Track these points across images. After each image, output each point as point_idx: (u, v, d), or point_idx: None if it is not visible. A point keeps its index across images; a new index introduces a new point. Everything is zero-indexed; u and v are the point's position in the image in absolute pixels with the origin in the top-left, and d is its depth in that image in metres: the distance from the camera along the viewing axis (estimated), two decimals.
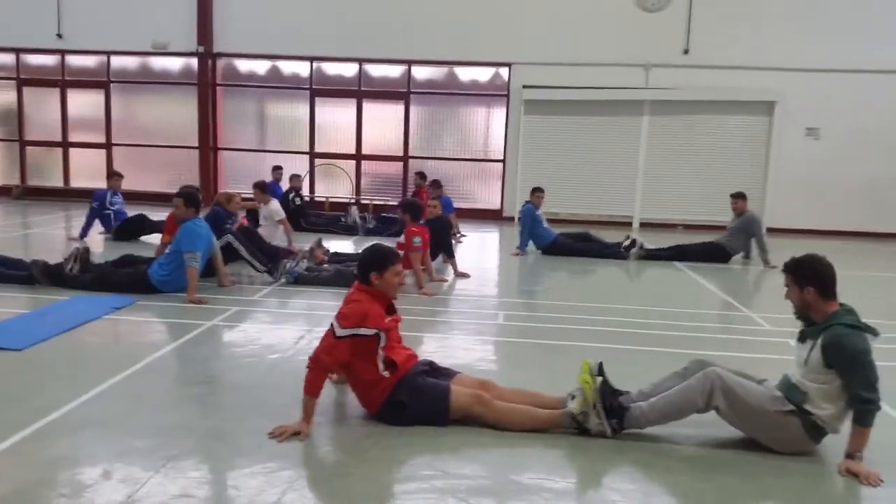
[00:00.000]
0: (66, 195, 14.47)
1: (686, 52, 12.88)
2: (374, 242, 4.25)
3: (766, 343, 5.73)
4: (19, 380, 4.26)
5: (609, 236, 10.67)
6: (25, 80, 14.66)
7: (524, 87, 13.21)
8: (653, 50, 12.85)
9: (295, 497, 2.98)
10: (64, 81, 14.53)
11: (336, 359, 3.64)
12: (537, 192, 9.75)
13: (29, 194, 14.46)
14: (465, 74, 13.89)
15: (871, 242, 12.36)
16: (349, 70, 14.02)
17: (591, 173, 13.27)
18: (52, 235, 10.31)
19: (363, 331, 3.64)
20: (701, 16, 12.77)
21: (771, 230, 12.85)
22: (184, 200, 6.50)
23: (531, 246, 9.63)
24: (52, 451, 3.31)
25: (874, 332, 3.47)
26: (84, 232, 9.58)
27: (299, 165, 14.26)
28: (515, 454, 3.48)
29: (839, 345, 3.35)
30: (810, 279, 3.49)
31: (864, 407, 3.32)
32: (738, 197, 9.62)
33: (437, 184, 10.92)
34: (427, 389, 3.73)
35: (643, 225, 13.08)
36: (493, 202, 14.02)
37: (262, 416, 3.82)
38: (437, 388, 3.74)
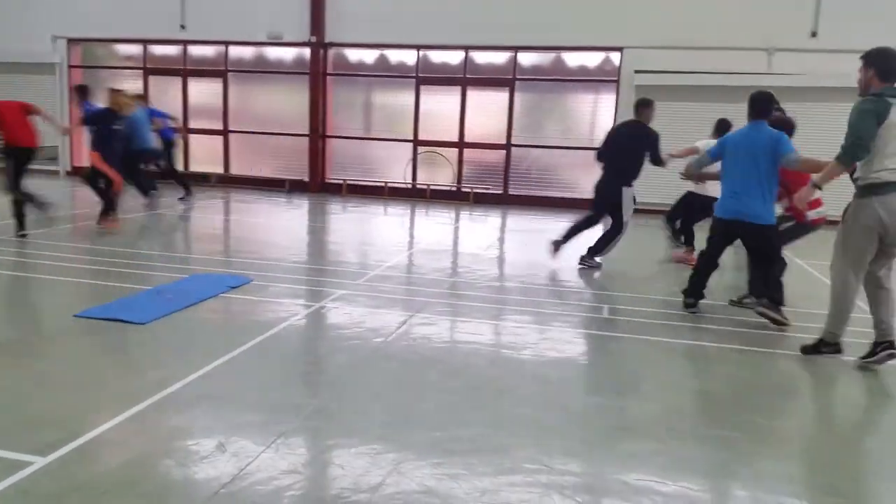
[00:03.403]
0: (186, 179, 15.25)
1: (814, 34, 12.04)
2: None
3: None
4: (142, 352, 4.52)
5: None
6: (151, 69, 15.55)
7: (636, 72, 12.76)
8: (777, 33, 12.08)
9: (399, 480, 2.98)
10: (185, 70, 15.31)
11: None
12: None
13: (151, 177, 15.32)
14: (572, 60, 13.57)
15: None
16: (455, 58, 14.01)
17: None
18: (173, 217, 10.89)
19: None
20: None
21: None
22: None
23: None
24: (170, 422, 3.47)
25: None
26: None
27: (404, 153, 14.44)
28: (624, 453, 3.35)
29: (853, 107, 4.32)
30: (872, 61, 4.36)
31: (840, 150, 4.30)
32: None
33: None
34: None
35: None
36: None
37: (367, 397, 3.88)
38: None
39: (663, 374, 4.53)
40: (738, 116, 12.21)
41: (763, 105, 5.53)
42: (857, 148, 4.23)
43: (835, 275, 4.64)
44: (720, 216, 5.70)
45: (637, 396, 4.10)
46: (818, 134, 12.08)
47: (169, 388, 3.85)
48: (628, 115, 12.96)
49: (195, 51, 15.28)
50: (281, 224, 10.67)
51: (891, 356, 4.54)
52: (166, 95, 15.52)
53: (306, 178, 14.76)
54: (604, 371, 4.69)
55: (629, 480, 3.08)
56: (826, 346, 4.76)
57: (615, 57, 13.17)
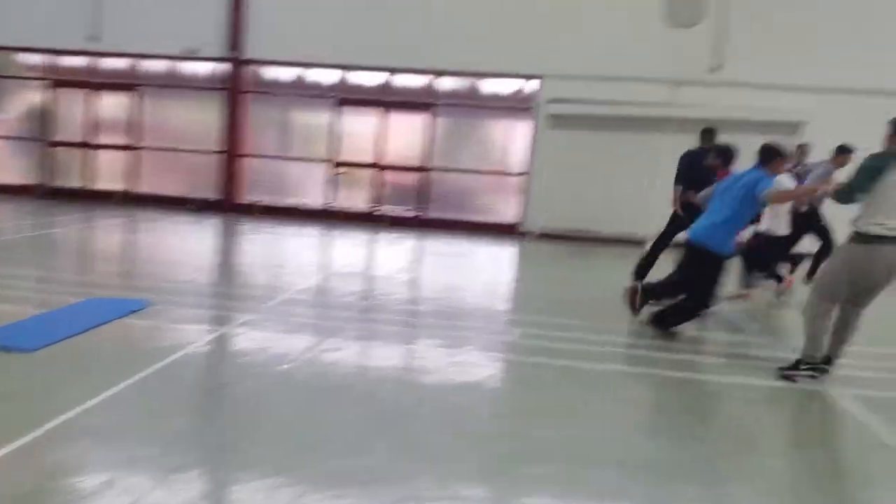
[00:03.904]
0: (88, 196, 14.61)
1: (715, 69, 12.72)
2: None
3: None
4: (29, 382, 4.24)
5: (626, 256, 10.51)
6: (58, 81, 14.87)
7: (550, 101, 13.12)
8: (682, 67, 12.70)
9: None
10: (94, 83, 14.71)
11: None
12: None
13: (52, 194, 14.62)
14: (491, 86, 13.82)
15: None
16: (375, 79, 14.03)
17: (611, 190, 13.10)
18: (70, 236, 10.36)
19: None
20: (732, 33, 12.61)
21: None
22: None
23: None
24: (56, 456, 3.27)
25: None
26: None
27: (321, 174, 14.30)
28: (526, 478, 3.38)
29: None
30: (891, 122, 4.90)
31: (839, 187, 4.96)
32: None
33: None
34: None
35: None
36: (510, 216, 13.93)
37: (269, 427, 3.78)
38: None
39: (570, 399, 4.59)
40: (645, 146, 12.87)
41: (761, 154, 6.05)
42: (848, 196, 4.82)
43: (807, 303, 5.13)
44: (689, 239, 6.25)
45: (541, 421, 4.15)
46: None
47: (56, 419, 3.63)
48: (545, 141, 13.47)
49: (106, 63, 14.70)
50: (189, 245, 10.35)
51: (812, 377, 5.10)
52: (74, 109, 14.86)
53: (219, 198, 14.38)
54: (509, 396, 4.74)
55: None
56: (804, 364, 5.10)
57: (530, 84, 13.49)
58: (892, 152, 4.78)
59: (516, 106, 13.71)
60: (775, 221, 8.04)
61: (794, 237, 9.07)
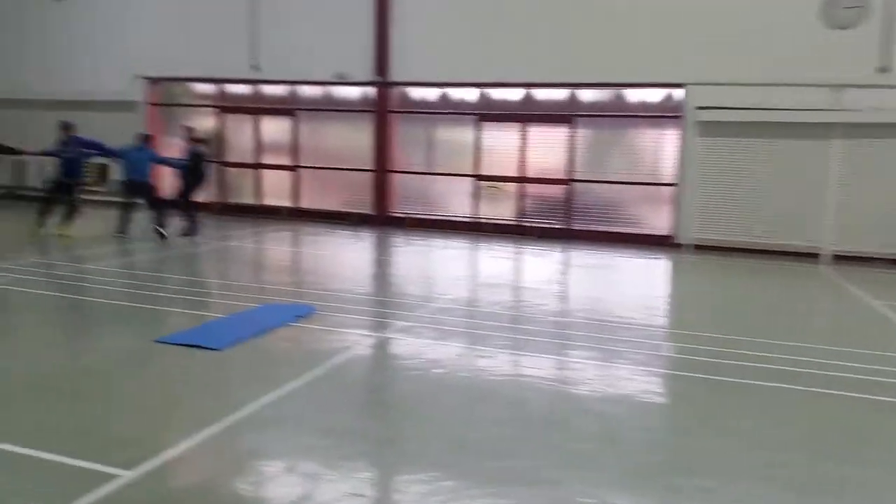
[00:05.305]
0: (259, 212, 15.92)
1: (883, 70, 11.77)
2: None
3: None
4: (218, 377, 4.79)
5: (790, 269, 9.95)
6: (226, 107, 16.36)
7: (698, 108, 12.70)
8: (843, 69, 11.85)
9: None
10: (258, 109, 16.05)
11: None
12: None
13: (226, 211, 16.06)
14: (633, 96, 13.62)
15: None
16: (515, 94, 14.26)
17: (771, 199, 12.40)
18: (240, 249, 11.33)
19: None
20: None
21: None
22: None
23: None
24: (241, 444, 3.69)
25: None
26: None
27: (465, 188, 14.70)
28: (671, 488, 3.38)
29: None
30: None
31: None
32: None
33: None
34: None
35: (837, 258, 11.93)
36: (661, 228, 13.57)
37: (425, 426, 4.03)
38: None
39: (722, 415, 4.51)
40: (804, 153, 12.12)
41: None
42: None
43: None
44: None
45: (691, 435, 4.10)
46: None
47: (241, 411, 4.09)
48: (695, 150, 13.04)
49: (267, 90, 16.01)
50: (347, 256, 11.01)
51: None
52: (240, 133, 16.31)
53: (371, 212, 15.18)
54: (660, 410, 4.70)
55: None
56: None
57: (675, 93, 13.14)
58: None
59: (662, 115, 13.39)
60: None
61: None
